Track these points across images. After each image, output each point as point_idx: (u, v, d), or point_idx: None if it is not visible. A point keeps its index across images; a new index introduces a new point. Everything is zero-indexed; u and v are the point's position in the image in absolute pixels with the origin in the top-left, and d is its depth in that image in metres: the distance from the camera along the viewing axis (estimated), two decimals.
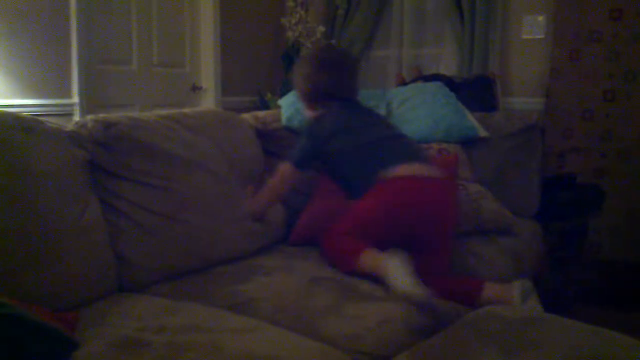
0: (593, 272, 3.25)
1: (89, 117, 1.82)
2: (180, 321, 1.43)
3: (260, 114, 2.55)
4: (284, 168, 2.10)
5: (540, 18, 3.77)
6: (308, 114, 2.23)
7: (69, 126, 1.80)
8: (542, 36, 3.78)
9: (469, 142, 2.75)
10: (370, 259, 1.79)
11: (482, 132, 2.78)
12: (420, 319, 1.63)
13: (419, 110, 2.81)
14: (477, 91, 3.56)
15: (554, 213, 2.88)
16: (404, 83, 3.73)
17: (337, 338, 1.48)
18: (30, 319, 1.09)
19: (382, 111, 2.80)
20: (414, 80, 3.69)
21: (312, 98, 2.15)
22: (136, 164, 1.79)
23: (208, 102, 3.80)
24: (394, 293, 1.67)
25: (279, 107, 2.65)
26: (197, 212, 1.89)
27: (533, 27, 3.80)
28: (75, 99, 2.96)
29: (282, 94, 3.17)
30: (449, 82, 3.25)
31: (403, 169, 1.96)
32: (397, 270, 1.70)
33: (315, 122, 2.12)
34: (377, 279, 1.76)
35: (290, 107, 2.54)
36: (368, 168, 1.99)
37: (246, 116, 2.49)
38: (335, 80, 2.12)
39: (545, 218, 2.80)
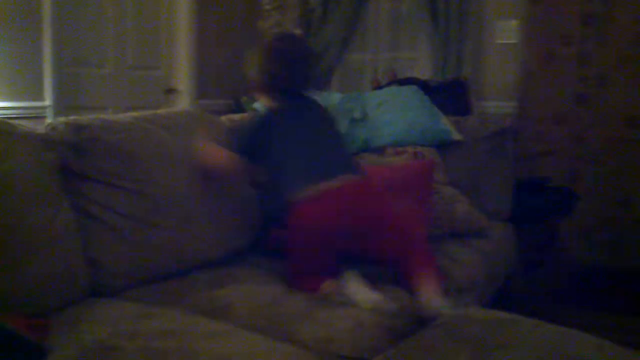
0: (564, 274, 3.29)
1: (61, 119, 1.80)
2: (154, 326, 1.42)
3: (236, 116, 2.55)
4: (230, 155, 2.00)
5: (513, 23, 3.82)
6: (262, 103, 2.12)
7: (41, 129, 1.78)
8: (515, 41, 3.82)
9: (443, 145, 2.78)
10: (330, 289, 1.78)
11: (456, 136, 2.81)
12: (394, 322, 1.64)
13: (394, 114, 2.83)
14: (451, 95, 3.60)
15: (526, 216, 2.92)
16: (379, 86, 3.75)
17: (312, 342, 1.49)
18: (4, 328, 1.08)
19: (357, 114, 2.81)
20: (389, 84, 3.71)
21: (264, 88, 2.06)
22: (109, 167, 1.77)
23: (183, 105, 3.79)
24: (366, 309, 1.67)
25: (254, 110, 2.64)
26: (171, 215, 1.87)
27: (506, 32, 3.85)
28: (48, 101, 2.93)
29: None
30: (424, 86, 3.28)
31: (313, 190, 1.87)
32: (357, 293, 1.71)
33: (263, 114, 2.05)
34: None
35: None
36: (283, 186, 1.92)
37: (222, 119, 2.49)
38: (286, 72, 2.01)
39: (517, 220, 2.83)
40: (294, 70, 2.03)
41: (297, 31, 3.84)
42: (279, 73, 2.01)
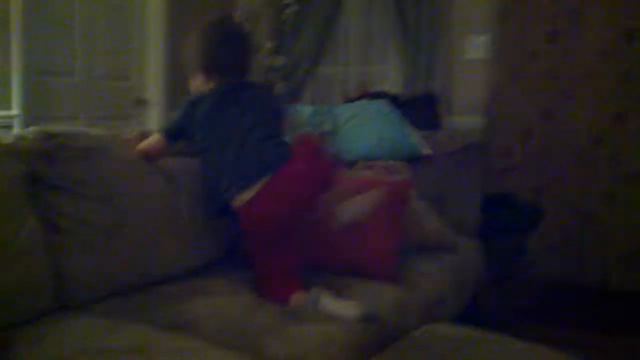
0: (531, 290, 3.33)
1: (30, 128, 1.78)
2: (120, 342, 1.40)
3: None
4: (154, 136, 1.99)
5: (482, 39, 3.87)
6: (195, 86, 2.06)
7: (8, 138, 1.75)
8: (483, 56, 3.88)
9: (412, 159, 2.80)
10: (300, 302, 1.79)
11: (426, 150, 2.84)
12: (364, 338, 1.64)
13: (364, 128, 2.85)
14: (421, 109, 3.63)
15: (494, 230, 2.95)
16: (350, 100, 3.77)
17: (281, 358, 1.48)
18: None
19: (328, 126, 2.83)
20: (359, 98, 3.73)
21: (202, 71, 2.00)
22: (78, 176, 1.75)
23: (153, 115, 3.76)
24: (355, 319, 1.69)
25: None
26: (139, 227, 1.86)
27: (475, 48, 3.90)
28: (16, 110, 2.89)
29: None
30: (394, 100, 3.31)
31: (250, 192, 1.86)
32: (336, 307, 1.72)
33: (197, 97, 1.99)
34: None
35: None
36: (221, 187, 1.90)
37: None
38: (225, 53, 1.98)
39: (485, 235, 2.87)
40: (233, 52, 1.99)
41: (237, 17, 3.81)
42: (217, 53, 1.97)
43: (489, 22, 3.82)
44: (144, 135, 2.07)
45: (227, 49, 1.99)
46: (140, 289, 1.81)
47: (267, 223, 1.84)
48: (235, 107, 1.94)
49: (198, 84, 2.03)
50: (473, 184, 2.86)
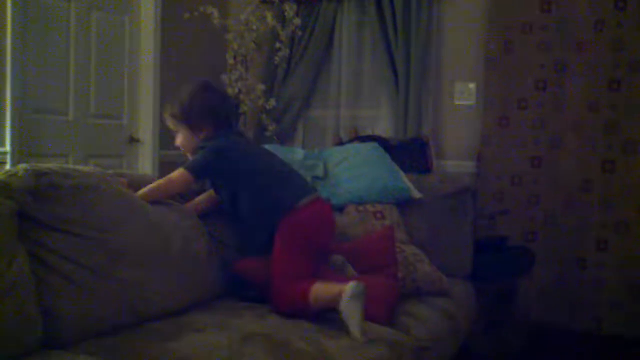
0: (522, 334, 3.31)
1: (20, 165, 1.77)
2: None
3: None
4: (180, 172, 2.12)
5: (471, 85, 3.94)
6: (187, 139, 2.22)
7: None
8: (472, 102, 3.93)
9: (403, 203, 2.81)
10: (322, 293, 1.93)
11: (416, 194, 2.84)
12: None
13: (354, 171, 2.85)
14: (411, 153, 3.66)
15: (485, 274, 2.95)
16: (340, 143, 3.80)
17: None
18: None
19: (319, 172, 2.84)
20: (350, 141, 3.76)
21: (204, 120, 2.18)
22: (68, 215, 1.74)
23: (145, 155, 3.76)
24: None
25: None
26: (130, 266, 1.84)
27: (464, 94, 3.96)
28: (7, 147, 2.88)
29: None
30: (384, 144, 3.33)
31: (307, 200, 2.13)
32: (351, 319, 1.84)
33: (220, 140, 2.16)
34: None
35: None
36: (279, 201, 2.12)
37: None
38: (224, 106, 2.23)
39: (476, 279, 2.86)
40: (231, 107, 2.30)
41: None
42: (223, 107, 2.21)
43: (477, 70, 3.89)
44: (132, 181, 2.11)
45: (227, 104, 2.27)
46: (129, 327, 1.79)
47: (313, 228, 2.11)
48: (253, 148, 2.26)
49: (194, 135, 2.21)
50: (464, 228, 2.86)
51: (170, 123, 2.26)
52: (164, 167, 3.60)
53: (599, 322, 3.56)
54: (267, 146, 2.71)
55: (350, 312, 1.84)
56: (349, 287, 1.85)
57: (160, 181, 2.13)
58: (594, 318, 3.57)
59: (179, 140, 2.25)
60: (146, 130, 3.78)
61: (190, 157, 2.24)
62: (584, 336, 3.51)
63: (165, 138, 3.85)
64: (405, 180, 2.88)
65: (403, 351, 1.91)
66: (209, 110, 2.18)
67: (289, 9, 4.00)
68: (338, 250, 2.30)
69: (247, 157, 2.17)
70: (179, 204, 2.22)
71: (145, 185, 2.11)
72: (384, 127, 4.12)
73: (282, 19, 4.08)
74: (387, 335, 1.94)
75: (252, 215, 2.16)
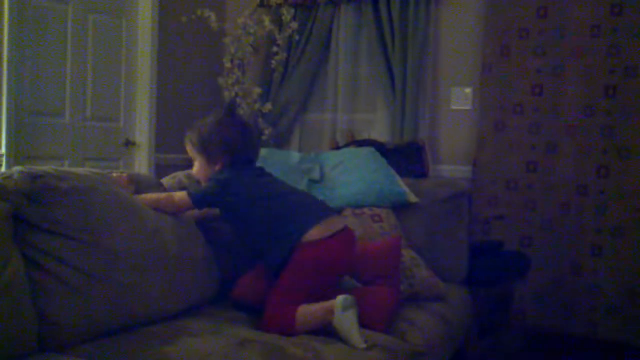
0: (518, 339, 3.32)
1: (16, 168, 1.77)
2: None
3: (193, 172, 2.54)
4: (181, 195, 2.12)
5: (467, 90, 3.95)
6: (203, 168, 2.22)
7: None
8: (469, 107, 3.94)
9: (399, 207, 2.81)
10: (311, 314, 1.90)
11: (412, 198, 2.84)
12: None
13: (351, 175, 2.85)
14: (407, 157, 3.67)
15: (481, 279, 2.95)
16: (337, 147, 3.80)
17: None
18: None
19: (315, 174, 2.84)
20: (347, 145, 3.76)
21: (221, 154, 2.17)
22: (63, 218, 1.73)
23: (141, 157, 3.76)
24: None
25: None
26: (126, 270, 1.83)
27: (461, 99, 3.97)
28: (3, 150, 2.87)
29: None
30: (381, 148, 3.33)
31: (318, 230, 2.04)
32: (351, 331, 1.83)
33: (227, 173, 2.15)
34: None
35: None
36: (286, 233, 2.05)
37: (179, 174, 2.49)
38: (243, 141, 2.19)
39: (472, 284, 2.86)
40: (253, 143, 2.24)
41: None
42: (242, 144, 2.17)
43: (473, 75, 3.90)
44: (132, 177, 2.11)
45: (248, 140, 2.21)
46: (124, 330, 1.79)
47: (327, 262, 2.02)
48: (265, 178, 2.20)
49: (209, 166, 2.20)
50: (460, 232, 2.86)
51: (189, 149, 2.25)
52: (160, 170, 3.60)
53: (594, 327, 3.56)
54: (264, 150, 2.73)
55: (345, 325, 1.83)
56: (339, 301, 1.85)
57: (162, 196, 2.13)
58: (589, 322, 3.57)
59: (195, 168, 2.25)
60: (142, 133, 3.78)
61: (203, 184, 2.24)
62: (579, 341, 3.51)
63: (161, 141, 3.86)
64: (401, 185, 2.88)
65: (398, 357, 1.91)
66: (227, 145, 2.16)
67: (286, 13, 4.00)
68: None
69: (253, 188, 2.13)
70: None
71: (145, 183, 2.12)
72: (380, 131, 4.13)
73: (279, 22, 4.09)
74: (383, 341, 1.93)
75: (260, 244, 2.12)
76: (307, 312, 1.92)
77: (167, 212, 2.11)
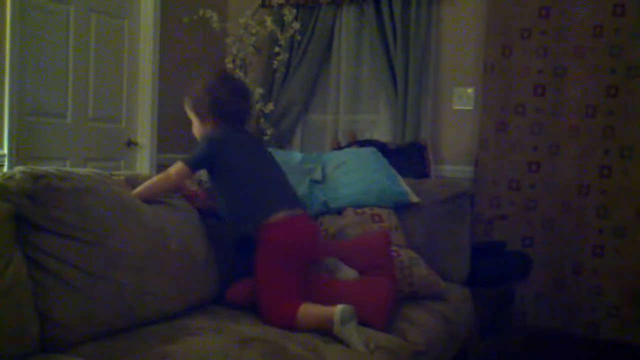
0: (520, 339, 3.31)
1: (18, 168, 1.77)
2: None
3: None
4: (176, 166, 2.17)
5: (470, 90, 3.94)
6: (198, 128, 2.31)
7: None
8: (471, 108, 3.94)
9: (400, 208, 2.81)
10: (311, 317, 1.93)
11: (414, 198, 2.84)
12: None
13: (352, 175, 2.86)
14: (409, 158, 3.67)
15: (482, 279, 2.95)
16: (339, 147, 3.80)
17: None
18: None
19: (317, 176, 2.84)
20: (348, 145, 3.77)
21: (210, 113, 2.25)
22: (65, 218, 1.74)
23: (143, 158, 3.77)
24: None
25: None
26: (128, 270, 1.84)
27: (463, 99, 3.96)
28: (5, 150, 2.88)
29: None
30: (383, 148, 3.33)
31: (284, 213, 2.12)
32: (352, 336, 1.84)
33: (219, 133, 2.22)
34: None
35: None
36: (258, 209, 2.13)
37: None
38: (237, 106, 2.27)
39: (473, 284, 2.86)
40: (242, 104, 2.30)
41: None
42: (230, 104, 2.25)
43: (475, 75, 3.89)
44: (129, 180, 2.14)
45: (238, 101, 2.28)
46: (125, 330, 1.79)
47: (291, 244, 2.09)
48: (254, 149, 2.28)
49: (203, 126, 2.28)
50: (462, 232, 2.86)
51: (187, 111, 2.34)
52: (162, 170, 3.60)
53: (595, 327, 3.56)
54: None
55: (346, 335, 1.85)
56: (337, 314, 1.86)
57: (155, 177, 2.18)
58: (591, 323, 3.57)
59: (193, 128, 2.34)
60: (144, 134, 3.78)
61: None
62: (581, 341, 3.51)
63: (163, 141, 3.86)
64: (403, 185, 2.88)
65: (400, 356, 1.91)
66: (217, 104, 2.24)
67: (289, 13, 4.01)
68: (332, 251, 2.31)
69: (241, 155, 2.19)
70: (179, 201, 2.22)
71: (142, 182, 2.13)
72: (382, 131, 4.13)
73: (281, 23, 4.09)
74: (383, 340, 1.93)
75: (232, 215, 2.19)
76: (308, 313, 1.94)
77: (168, 189, 2.17)
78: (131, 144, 3.74)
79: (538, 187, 3.72)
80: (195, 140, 2.32)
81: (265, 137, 4.08)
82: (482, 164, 3.82)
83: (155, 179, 2.16)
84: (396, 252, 2.46)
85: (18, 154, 2.94)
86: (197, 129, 2.31)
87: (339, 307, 1.86)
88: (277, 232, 2.07)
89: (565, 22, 3.64)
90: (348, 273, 2.22)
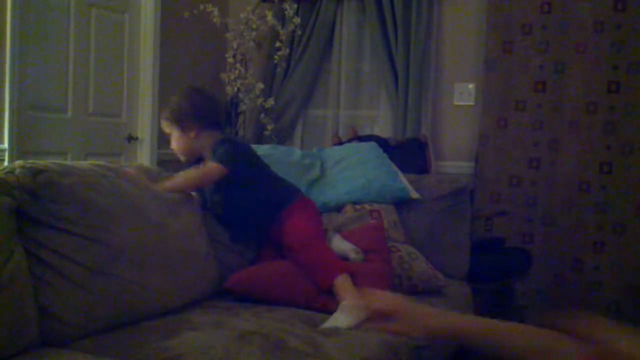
0: None
1: (17, 162, 1.77)
2: None
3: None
4: (214, 166, 2.25)
5: (470, 86, 3.94)
6: (179, 140, 2.35)
7: None
8: (471, 103, 3.94)
9: (400, 203, 2.81)
10: (348, 286, 2.08)
11: (414, 194, 2.84)
12: None
13: (352, 170, 2.86)
14: (409, 153, 3.67)
15: (482, 275, 2.95)
16: (339, 143, 3.80)
17: None
18: None
19: (316, 170, 2.84)
20: (349, 141, 3.76)
21: (192, 119, 2.31)
22: (65, 213, 1.74)
23: (143, 153, 3.76)
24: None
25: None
26: (128, 265, 1.84)
27: (463, 95, 3.96)
28: (5, 145, 2.88)
29: None
30: (383, 144, 3.33)
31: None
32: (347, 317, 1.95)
33: (224, 135, 2.38)
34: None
35: None
36: (283, 193, 2.40)
37: None
38: (216, 107, 2.42)
39: (473, 280, 2.86)
40: (219, 109, 2.50)
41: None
42: (209, 108, 2.36)
43: (476, 71, 3.89)
44: (140, 169, 2.22)
45: (215, 105, 2.43)
46: (126, 324, 1.79)
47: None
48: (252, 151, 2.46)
49: (185, 137, 2.34)
50: (462, 228, 2.86)
51: (165, 126, 2.40)
52: (163, 165, 3.60)
53: None
54: (266, 146, 2.92)
55: (344, 319, 1.95)
56: (345, 306, 1.99)
57: (196, 173, 2.29)
58: None
59: (173, 143, 2.39)
60: (145, 129, 3.78)
61: (183, 159, 2.40)
62: None
63: (163, 136, 3.85)
64: (403, 181, 2.88)
65: (399, 350, 1.91)
66: (197, 111, 2.32)
67: (289, 8, 4.00)
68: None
69: (252, 152, 2.42)
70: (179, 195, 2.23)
71: (155, 174, 2.23)
72: (383, 127, 4.12)
73: (282, 18, 4.08)
74: (382, 334, 1.94)
75: (261, 202, 2.35)
76: (340, 283, 2.09)
77: (202, 186, 2.33)
78: (132, 138, 3.74)
79: (538, 183, 3.72)
80: None
81: (266, 133, 4.07)
82: (482, 160, 3.81)
83: (194, 175, 2.27)
84: (395, 248, 2.46)
85: (18, 148, 2.93)
86: (178, 141, 2.35)
87: (347, 303, 2.00)
88: (308, 203, 2.40)
89: (566, 17, 3.63)
90: (344, 246, 2.34)
